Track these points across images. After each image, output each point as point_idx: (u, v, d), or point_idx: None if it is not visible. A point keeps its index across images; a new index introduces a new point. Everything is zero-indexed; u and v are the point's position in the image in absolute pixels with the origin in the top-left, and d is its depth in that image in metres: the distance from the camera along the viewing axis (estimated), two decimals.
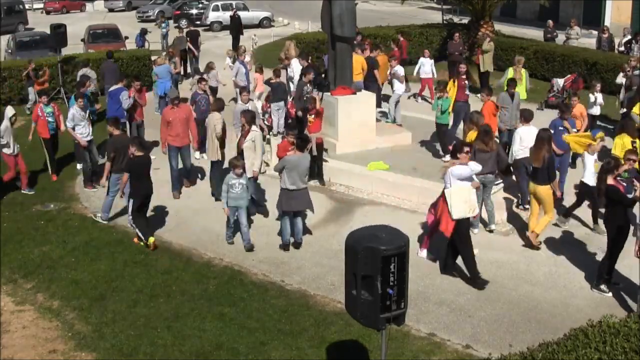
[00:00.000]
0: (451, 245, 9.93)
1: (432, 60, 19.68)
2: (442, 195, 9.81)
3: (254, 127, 11.64)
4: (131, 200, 10.78)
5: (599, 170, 9.77)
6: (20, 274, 10.18)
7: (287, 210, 10.53)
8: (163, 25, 27.78)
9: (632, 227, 9.56)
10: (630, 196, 9.31)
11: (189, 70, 23.59)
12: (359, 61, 16.10)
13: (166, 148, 12.91)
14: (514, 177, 12.58)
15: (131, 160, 10.82)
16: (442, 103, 13.95)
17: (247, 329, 8.67)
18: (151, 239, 10.74)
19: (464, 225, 9.70)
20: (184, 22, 33.13)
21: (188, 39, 23.47)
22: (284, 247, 10.80)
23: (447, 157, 13.45)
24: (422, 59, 19.78)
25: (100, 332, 8.65)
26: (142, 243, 10.86)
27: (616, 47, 23.95)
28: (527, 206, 11.96)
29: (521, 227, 11.41)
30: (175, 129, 12.81)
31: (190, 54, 23.50)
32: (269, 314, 9.02)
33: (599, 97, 15.41)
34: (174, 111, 12.90)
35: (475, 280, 9.68)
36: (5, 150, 12.83)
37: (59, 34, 19.56)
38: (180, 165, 13.18)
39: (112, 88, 15.37)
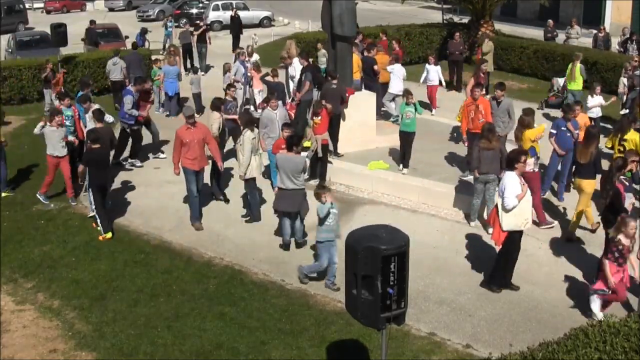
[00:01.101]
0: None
1: (439, 67, 17.99)
2: (496, 205, 9.33)
3: (246, 130, 11.42)
4: (90, 190, 11.30)
5: (610, 169, 9.79)
6: (21, 273, 10.19)
7: (275, 208, 10.48)
8: (169, 24, 27.79)
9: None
10: (627, 203, 9.36)
11: (189, 65, 23.62)
12: (355, 60, 16.06)
13: (180, 170, 11.59)
14: None
15: (88, 152, 11.22)
16: (411, 109, 12.92)
17: (248, 328, 8.68)
18: (108, 234, 11.17)
19: (514, 238, 9.21)
20: (184, 22, 33.18)
21: (193, 33, 23.60)
22: (285, 246, 10.77)
23: (406, 171, 13.28)
24: (426, 66, 18.19)
25: (101, 331, 8.66)
26: (99, 229, 11.26)
27: (615, 46, 23.92)
28: None
29: None
30: (192, 151, 11.38)
31: (198, 46, 23.63)
32: (270, 313, 9.03)
33: (598, 99, 15.34)
34: (190, 132, 11.42)
35: (490, 287, 9.56)
36: (48, 150, 12.51)
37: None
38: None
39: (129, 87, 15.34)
